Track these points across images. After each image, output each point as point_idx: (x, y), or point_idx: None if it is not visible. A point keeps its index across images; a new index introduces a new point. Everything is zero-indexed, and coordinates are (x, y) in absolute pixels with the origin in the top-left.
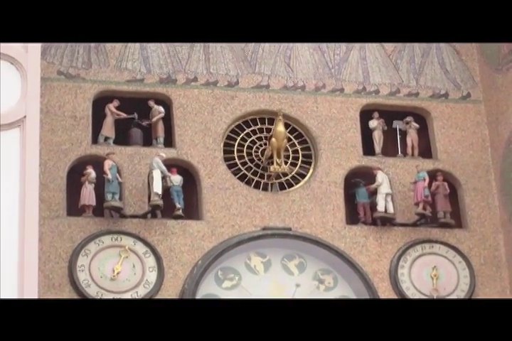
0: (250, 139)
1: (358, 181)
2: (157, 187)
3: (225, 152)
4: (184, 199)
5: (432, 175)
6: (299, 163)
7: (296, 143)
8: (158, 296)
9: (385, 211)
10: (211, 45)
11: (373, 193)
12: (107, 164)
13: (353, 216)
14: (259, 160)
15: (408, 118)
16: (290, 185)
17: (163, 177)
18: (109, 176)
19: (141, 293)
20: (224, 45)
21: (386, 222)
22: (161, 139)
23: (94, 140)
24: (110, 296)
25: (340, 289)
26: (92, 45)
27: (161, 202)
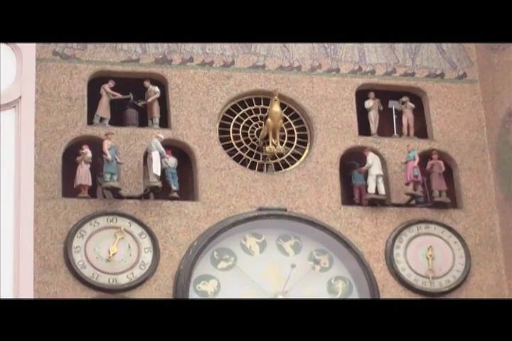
0: (246, 120)
1: (352, 163)
2: (156, 169)
3: (220, 132)
4: (179, 180)
5: (428, 154)
6: (295, 143)
7: (292, 124)
8: (154, 277)
9: (377, 192)
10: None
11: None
12: (106, 144)
13: (348, 196)
14: (255, 140)
15: (404, 99)
16: (286, 166)
17: (161, 159)
18: (109, 156)
19: (136, 274)
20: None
21: (378, 203)
22: (157, 120)
23: (90, 121)
24: (106, 277)
25: (336, 269)
26: None
27: (159, 184)
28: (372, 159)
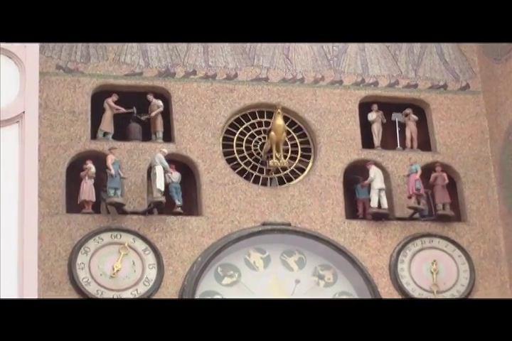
0: (249, 133)
1: (356, 177)
2: (160, 184)
3: (223, 146)
4: (183, 194)
5: (431, 167)
6: (298, 156)
7: (295, 137)
8: (158, 293)
9: (380, 206)
10: None
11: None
12: (110, 159)
13: (352, 210)
14: (258, 154)
15: (407, 111)
16: (289, 180)
17: (165, 174)
18: (112, 171)
19: (140, 290)
20: None
21: (381, 217)
22: (160, 134)
23: (93, 135)
24: (110, 294)
25: (340, 285)
26: None
27: (163, 199)
28: (374, 172)
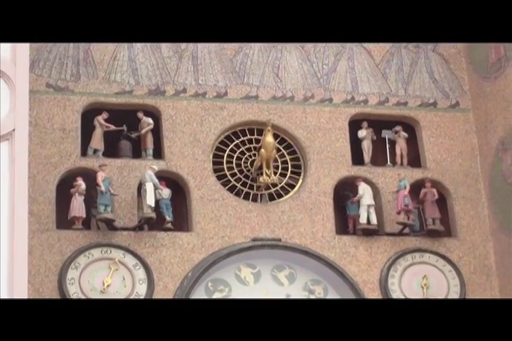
0: (239, 150)
1: (346, 194)
2: (150, 200)
3: (214, 163)
4: (174, 210)
5: (421, 183)
6: (288, 173)
7: (286, 154)
8: None
9: (369, 222)
10: (199, 56)
11: None
12: (100, 176)
13: (342, 226)
14: (249, 171)
15: (397, 128)
16: (279, 196)
17: (155, 190)
18: (103, 188)
19: None
20: (213, 56)
21: (370, 233)
22: (150, 151)
23: (84, 152)
24: None
25: None
26: (81, 57)
27: (153, 215)
28: (363, 189)
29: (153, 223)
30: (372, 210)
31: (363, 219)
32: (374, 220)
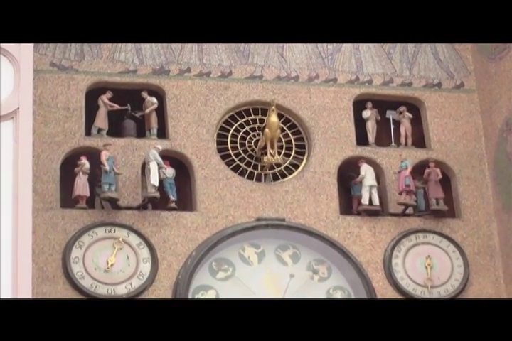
0: (244, 130)
1: (350, 175)
2: (154, 179)
3: (218, 143)
4: (178, 190)
5: (426, 164)
6: (293, 153)
7: (290, 134)
8: (153, 287)
9: (371, 203)
10: None
11: None
12: (104, 155)
13: (346, 206)
14: (253, 150)
15: (401, 108)
16: (283, 176)
17: (159, 169)
18: (107, 167)
19: (135, 284)
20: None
21: (373, 214)
22: (155, 130)
23: (88, 132)
24: (104, 288)
25: (334, 279)
26: None
27: (157, 194)
28: (365, 170)
29: (157, 202)
30: (374, 191)
31: (364, 200)
32: (376, 201)
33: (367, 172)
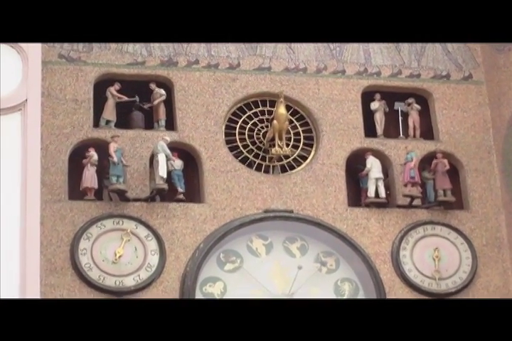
0: (252, 121)
1: (358, 167)
2: (162, 171)
3: (226, 134)
4: (185, 182)
5: (434, 155)
6: (301, 145)
7: (298, 126)
8: (161, 279)
9: (377, 196)
10: None
11: None
12: (112, 147)
13: (354, 198)
14: (261, 142)
15: (410, 100)
16: (292, 168)
17: (167, 161)
18: (115, 159)
19: (143, 276)
20: None
21: (380, 206)
22: (163, 122)
23: (96, 123)
24: (112, 280)
25: (343, 271)
26: None
27: (166, 186)
28: (371, 163)
29: (165, 194)
30: (380, 183)
31: (370, 193)
32: (383, 193)
33: (373, 165)
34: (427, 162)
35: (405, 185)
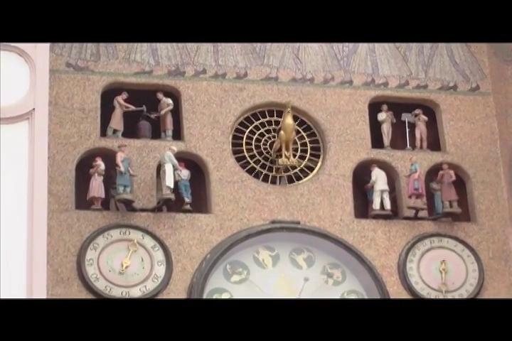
0: (259, 132)
1: (365, 179)
2: (169, 181)
3: (233, 145)
4: (192, 192)
5: (441, 167)
6: (308, 155)
7: (305, 136)
8: (167, 290)
9: (383, 208)
10: None
11: None
12: (120, 156)
13: (361, 209)
14: (268, 153)
15: (417, 111)
16: (298, 178)
17: (174, 171)
18: (122, 168)
19: (149, 287)
20: None
21: (387, 218)
22: (170, 132)
23: (103, 133)
24: (119, 290)
25: (349, 283)
26: None
27: (172, 196)
28: (376, 175)
29: (172, 204)
30: (385, 195)
31: (375, 205)
32: (388, 205)
33: (378, 177)
34: (434, 173)
35: (409, 197)
